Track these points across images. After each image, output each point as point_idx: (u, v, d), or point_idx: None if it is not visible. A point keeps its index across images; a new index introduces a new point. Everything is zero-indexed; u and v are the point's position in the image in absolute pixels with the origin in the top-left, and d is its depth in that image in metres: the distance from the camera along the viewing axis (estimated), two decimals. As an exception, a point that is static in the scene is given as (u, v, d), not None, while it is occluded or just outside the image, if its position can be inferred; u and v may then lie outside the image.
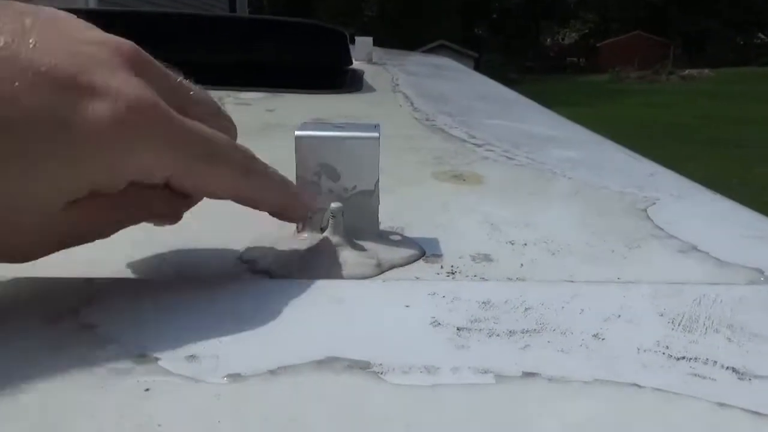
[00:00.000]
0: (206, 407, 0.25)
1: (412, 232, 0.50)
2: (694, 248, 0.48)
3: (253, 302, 0.35)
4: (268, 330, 0.32)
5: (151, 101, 0.29)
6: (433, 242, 0.48)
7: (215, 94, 1.27)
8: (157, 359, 0.28)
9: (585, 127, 1.14)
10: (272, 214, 0.42)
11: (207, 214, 0.52)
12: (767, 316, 0.35)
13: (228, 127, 0.42)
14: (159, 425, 0.24)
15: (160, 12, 1.34)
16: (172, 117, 0.31)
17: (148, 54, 0.34)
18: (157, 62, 0.35)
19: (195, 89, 0.38)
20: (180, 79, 0.37)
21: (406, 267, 0.43)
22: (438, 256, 0.46)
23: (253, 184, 0.38)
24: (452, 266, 0.44)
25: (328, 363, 0.29)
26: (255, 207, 0.41)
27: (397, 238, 0.48)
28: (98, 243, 0.45)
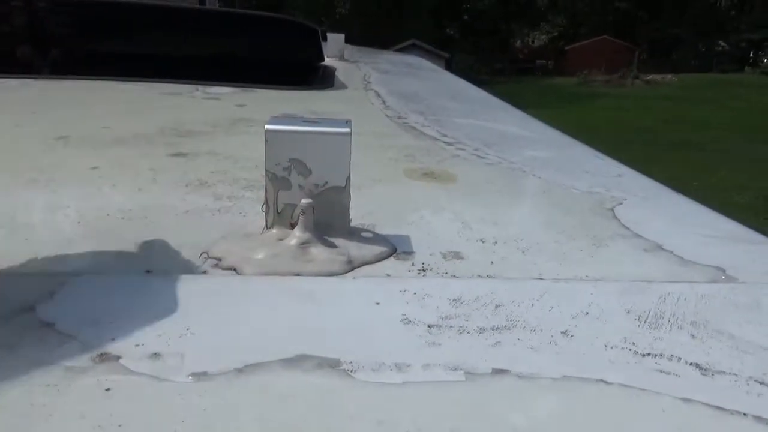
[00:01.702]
0: (169, 407, 0.24)
1: (384, 229, 0.50)
2: (659, 247, 0.49)
3: (221, 299, 0.34)
4: (236, 327, 0.31)
5: None
6: (405, 239, 0.48)
7: (185, 88, 1.24)
8: (118, 357, 0.27)
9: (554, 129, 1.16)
10: None
11: (172, 211, 0.51)
12: (728, 313, 0.36)
13: None
14: (120, 426, 0.23)
15: (131, 3, 1.30)
16: None
17: None
18: None
19: None
20: None
21: (377, 264, 0.43)
22: (409, 253, 0.46)
23: None
24: (423, 263, 0.44)
25: (297, 361, 0.28)
26: None
27: (369, 235, 0.48)
28: (61, 238, 0.43)
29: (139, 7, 1.27)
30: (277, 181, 0.44)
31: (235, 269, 0.40)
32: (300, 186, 0.44)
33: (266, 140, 0.43)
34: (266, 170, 0.44)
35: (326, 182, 0.45)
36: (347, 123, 0.45)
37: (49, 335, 0.29)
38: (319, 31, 1.45)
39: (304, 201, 0.43)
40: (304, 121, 0.45)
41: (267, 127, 0.43)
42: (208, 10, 1.89)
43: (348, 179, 0.45)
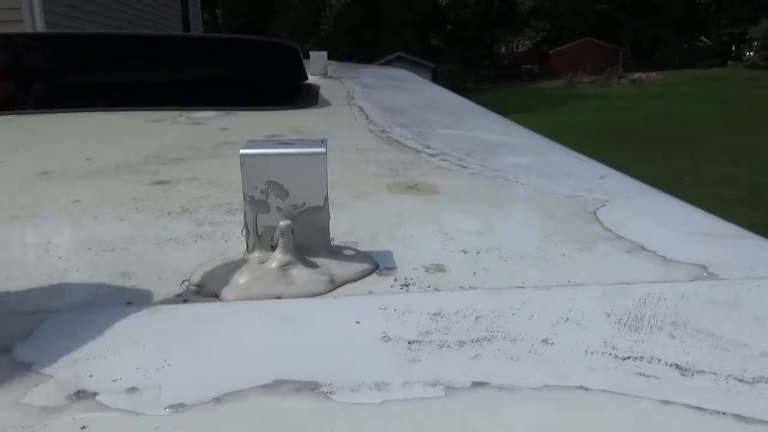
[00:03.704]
0: (145, 442, 0.24)
1: (366, 246, 0.50)
2: (641, 248, 0.50)
3: (200, 327, 0.34)
4: (215, 355, 0.31)
5: None
6: (387, 255, 0.48)
7: (168, 114, 1.25)
8: (94, 394, 0.27)
9: (541, 132, 1.16)
10: None
11: (154, 240, 0.51)
12: (708, 310, 0.36)
13: None
14: (96, 464, 0.23)
15: (112, 33, 1.31)
16: None
17: None
18: None
19: None
20: None
21: (360, 282, 0.43)
22: (392, 268, 0.46)
23: None
24: (406, 278, 0.44)
25: (275, 386, 0.28)
26: None
27: (351, 252, 0.48)
28: (41, 274, 0.43)
29: (118, 38, 1.28)
30: (255, 204, 0.44)
31: (216, 296, 0.40)
32: (279, 208, 0.45)
33: (242, 164, 0.43)
34: (244, 194, 0.44)
35: (304, 203, 0.45)
36: (323, 143, 0.45)
37: (26, 376, 0.29)
38: (301, 50, 1.46)
39: (283, 223, 0.43)
40: (280, 144, 0.45)
41: (242, 151, 0.43)
42: (189, 37, 1.90)
43: (326, 198, 0.45)
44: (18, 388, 0.28)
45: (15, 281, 0.40)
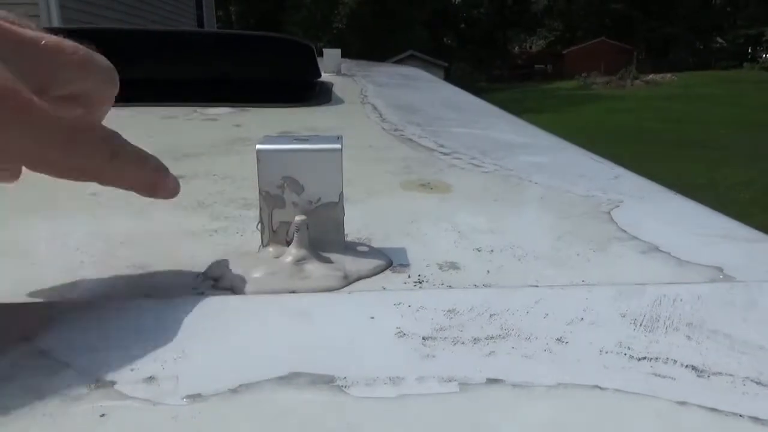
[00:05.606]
0: (162, 430, 0.25)
1: (380, 243, 0.50)
2: (657, 249, 0.49)
3: (216, 319, 0.35)
4: (231, 347, 0.31)
5: (11, 88, 0.28)
6: (401, 252, 0.48)
7: (182, 111, 1.26)
8: (113, 383, 0.28)
9: (553, 133, 1.16)
10: (140, 193, 0.41)
11: (171, 233, 0.52)
12: (725, 312, 0.36)
13: (104, 78, 0.40)
14: (115, 452, 0.23)
15: (126, 29, 1.32)
16: (32, 105, 0.29)
17: (9, 24, 0.31)
18: (18, 28, 0.31)
19: (66, 46, 0.34)
20: (44, 41, 0.32)
21: (373, 278, 0.43)
22: (405, 265, 0.46)
23: (117, 169, 0.37)
24: (419, 275, 0.44)
25: (291, 379, 0.28)
26: (120, 187, 0.40)
27: (364, 248, 0.48)
28: (59, 266, 0.44)
29: (132, 34, 1.29)
30: (270, 199, 0.45)
31: (232, 289, 0.41)
32: (294, 203, 0.45)
33: (258, 160, 0.43)
34: (260, 189, 0.45)
35: (320, 198, 0.45)
36: (338, 139, 0.45)
37: (46, 364, 0.29)
38: (314, 48, 1.47)
39: (298, 218, 0.43)
40: (296, 139, 0.45)
41: (258, 147, 0.43)
42: (203, 33, 1.91)
43: (341, 195, 0.45)
44: (38, 376, 0.28)
45: (34, 272, 0.41)
